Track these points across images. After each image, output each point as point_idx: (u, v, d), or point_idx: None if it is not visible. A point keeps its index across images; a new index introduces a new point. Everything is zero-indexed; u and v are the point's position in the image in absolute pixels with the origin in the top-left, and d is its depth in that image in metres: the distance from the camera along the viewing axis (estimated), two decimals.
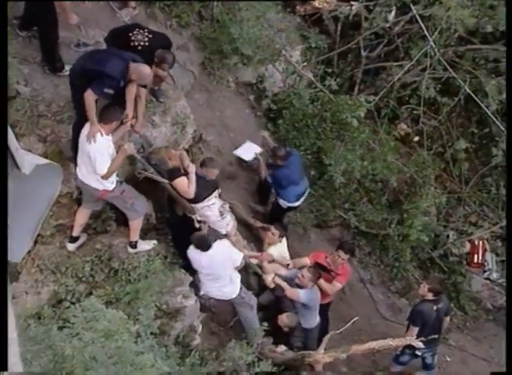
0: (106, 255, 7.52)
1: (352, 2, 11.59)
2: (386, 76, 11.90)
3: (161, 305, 7.46)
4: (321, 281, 8.76)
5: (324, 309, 9.23)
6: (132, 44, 7.60)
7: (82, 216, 7.48)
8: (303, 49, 11.59)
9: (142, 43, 7.62)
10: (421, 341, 8.37)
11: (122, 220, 7.75)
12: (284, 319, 8.45)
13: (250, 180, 10.36)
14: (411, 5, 10.68)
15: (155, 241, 7.93)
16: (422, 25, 10.15)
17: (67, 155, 7.39)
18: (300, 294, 8.43)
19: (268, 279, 8.56)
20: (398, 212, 11.42)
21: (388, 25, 11.76)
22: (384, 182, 11.44)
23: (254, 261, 8.65)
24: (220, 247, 7.78)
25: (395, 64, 11.72)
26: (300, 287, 8.48)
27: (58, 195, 7.00)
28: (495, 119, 11.11)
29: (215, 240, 7.83)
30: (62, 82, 7.60)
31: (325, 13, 11.81)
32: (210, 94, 10.13)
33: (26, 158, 4.00)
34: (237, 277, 8.08)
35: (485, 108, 10.98)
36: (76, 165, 7.14)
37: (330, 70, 11.59)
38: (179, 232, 8.17)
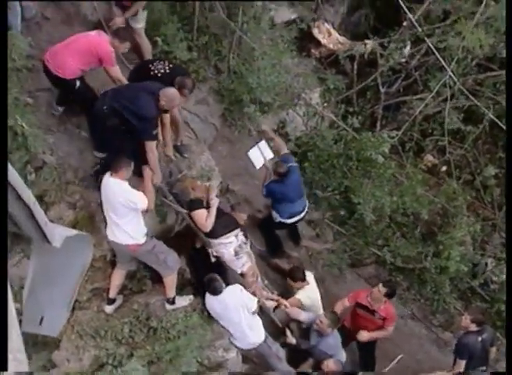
0: (144, 314, 7.55)
1: (366, 41, 11.66)
2: (407, 110, 11.89)
3: (203, 360, 7.48)
4: (364, 333, 8.73)
5: (370, 348, 9.12)
6: (152, 72, 7.80)
7: (117, 277, 7.55)
8: (321, 91, 11.67)
9: (162, 71, 7.80)
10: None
11: (157, 278, 7.78)
12: (331, 365, 8.20)
13: None
14: (426, 38, 10.66)
15: (191, 296, 7.93)
16: (439, 56, 10.11)
17: (98, 218, 7.48)
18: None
19: (289, 336, 8.41)
20: (433, 244, 11.21)
21: (404, 60, 11.78)
22: (415, 215, 11.30)
23: (270, 303, 8.48)
24: (232, 291, 7.69)
25: (415, 97, 11.72)
26: (319, 333, 8.36)
27: (91, 259, 7.09)
28: None
29: (227, 285, 7.75)
30: (87, 148, 7.75)
31: (341, 54, 11.88)
32: (232, 144, 10.24)
33: (56, 231, 4.05)
34: (258, 322, 7.93)
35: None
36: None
37: (351, 109, 11.60)
38: (197, 265, 8.19)
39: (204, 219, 7.79)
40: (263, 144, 9.49)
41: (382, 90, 11.93)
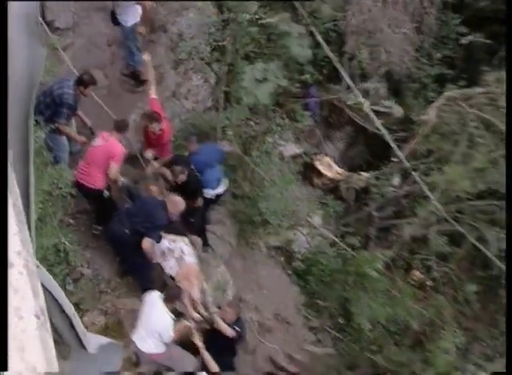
0: None
1: (360, 172, 12.24)
2: (397, 231, 12.26)
3: None
4: None
5: None
6: None
7: None
8: (323, 214, 12.14)
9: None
10: None
11: None
12: None
13: (287, 332, 10.51)
14: (412, 172, 11.20)
15: None
16: (424, 188, 10.55)
17: (126, 324, 7.74)
18: None
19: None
20: (421, 351, 11.27)
21: (393, 189, 12.29)
22: (406, 324, 11.41)
23: (196, 316, 7.91)
24: None
25: (404, 221, 12.15)
26: None
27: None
28: (498, 262, 11.22)
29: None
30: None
31: (342, 185, 12.45)
32: (245, 260, 10.69)
33: (92, 340, 4.38)
34: None
35: (489, 254, 11.14)
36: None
37: (348, 230, 12.02)
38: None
39: None
40: None
41: (375, 214, 12.42)
